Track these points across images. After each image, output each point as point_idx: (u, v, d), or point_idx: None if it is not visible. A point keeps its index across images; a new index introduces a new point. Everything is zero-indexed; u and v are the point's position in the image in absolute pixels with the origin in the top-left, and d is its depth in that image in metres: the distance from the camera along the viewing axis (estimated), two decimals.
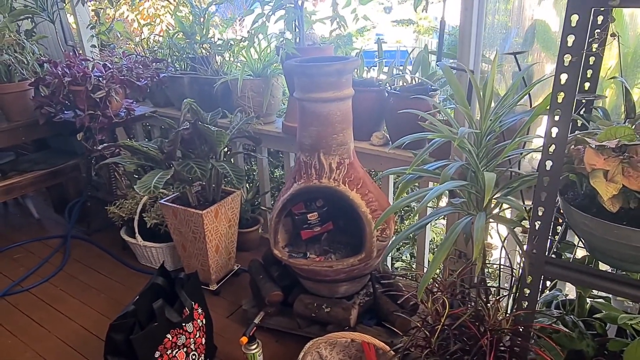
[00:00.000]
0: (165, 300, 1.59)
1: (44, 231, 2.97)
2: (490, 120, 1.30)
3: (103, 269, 2.51)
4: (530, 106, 1.46)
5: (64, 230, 2.91)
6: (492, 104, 1.32)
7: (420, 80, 1.91)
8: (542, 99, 1.44)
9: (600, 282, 1.07)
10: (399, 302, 1.74)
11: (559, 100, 0.97)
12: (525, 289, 1.19)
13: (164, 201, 2.14)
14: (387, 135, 2.04)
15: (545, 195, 1.07)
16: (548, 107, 0.99)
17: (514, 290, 1.35)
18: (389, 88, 2.01)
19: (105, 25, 2.60)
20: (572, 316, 1.35)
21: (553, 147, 1.00)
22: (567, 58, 0.93)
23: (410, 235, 2.43)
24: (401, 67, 2.02)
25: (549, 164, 1.03)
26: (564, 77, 0.95)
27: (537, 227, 1.11)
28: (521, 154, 1.36)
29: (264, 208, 2.66)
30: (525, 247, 1.16)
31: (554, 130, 0.99)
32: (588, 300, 1.44)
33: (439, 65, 1.58)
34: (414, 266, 2.51)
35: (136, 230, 2.36)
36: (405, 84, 1.99)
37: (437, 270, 1.49)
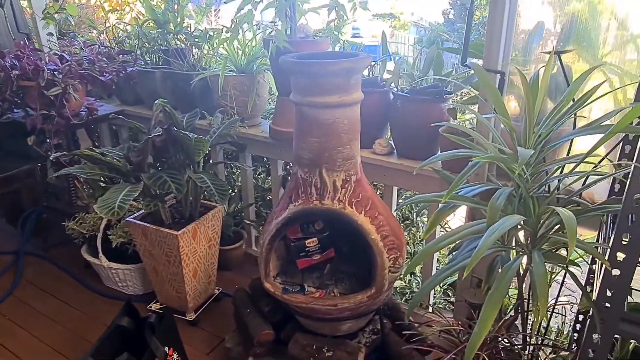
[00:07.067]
0: (131, 345, 1.30)
1: None
2: (540, 135, 1.05)
3: (61, 292, 2.18)
4: (575, 119, 1.22)
5: (16, 245, 2.54)
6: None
7: (433, 81, 1.66)
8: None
9: None
10: (412, 340, 1.49)
11: None
12: (588, 349, 0.96)
13: (132, 218, 1.82)
14: (392, 143, 1.78)
15: (629, 237, 0.82)
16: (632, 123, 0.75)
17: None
18: (395, 89, 1.76)
19: (55, 8, 2.22)
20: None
21: None
22: None
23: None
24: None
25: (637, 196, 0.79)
26: None
27: (615, 277, 0.87)
28: (582, 177, 1.11)
29: (247, 222, 2.37)
30: (594, 297, 0.92)
31: None
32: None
33: (469, 65, 1.32)
34: (414, 285, 2.27)
35: (99, 249, 2.03)
36: (415, 85, 1.73)
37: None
